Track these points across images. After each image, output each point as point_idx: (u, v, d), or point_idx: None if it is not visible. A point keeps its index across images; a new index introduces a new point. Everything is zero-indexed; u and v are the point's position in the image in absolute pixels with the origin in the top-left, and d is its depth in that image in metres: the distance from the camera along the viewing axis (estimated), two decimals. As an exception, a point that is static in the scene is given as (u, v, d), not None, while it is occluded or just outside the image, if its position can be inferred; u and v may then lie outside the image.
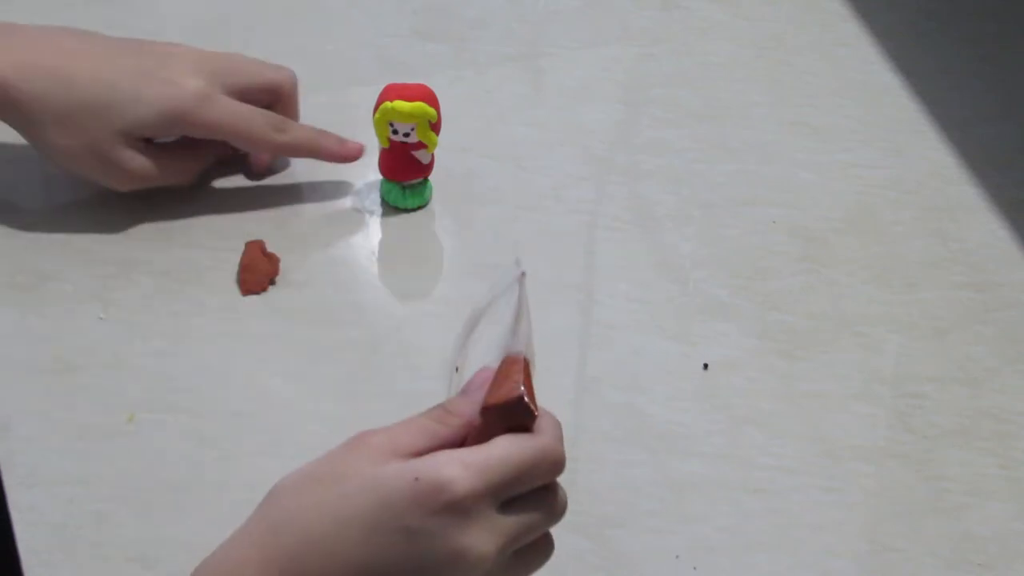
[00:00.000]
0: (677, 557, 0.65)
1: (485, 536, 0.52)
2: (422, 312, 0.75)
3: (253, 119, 0.74)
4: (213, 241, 0.76)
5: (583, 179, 0.82)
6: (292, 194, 0.79)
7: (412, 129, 0.74)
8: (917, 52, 0.91)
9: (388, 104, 0.73)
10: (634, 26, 0.92)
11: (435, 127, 0.75)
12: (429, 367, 0.71)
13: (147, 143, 0.73)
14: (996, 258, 0.79)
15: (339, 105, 0.83)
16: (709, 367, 0.73)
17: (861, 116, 0.87)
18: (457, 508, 0.51)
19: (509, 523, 0.53)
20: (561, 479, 0.67)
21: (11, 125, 0.72)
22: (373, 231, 0.78)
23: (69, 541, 0.64)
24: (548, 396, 0.71)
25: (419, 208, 0.79)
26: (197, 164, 0.77)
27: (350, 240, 0.77)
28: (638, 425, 0.70)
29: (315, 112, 0.79)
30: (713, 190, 0.82)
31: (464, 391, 0.57)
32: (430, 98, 0.74)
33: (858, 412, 0.72)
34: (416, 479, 0.51)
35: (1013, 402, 0.73)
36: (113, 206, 0.77)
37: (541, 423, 0.55)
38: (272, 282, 0.74)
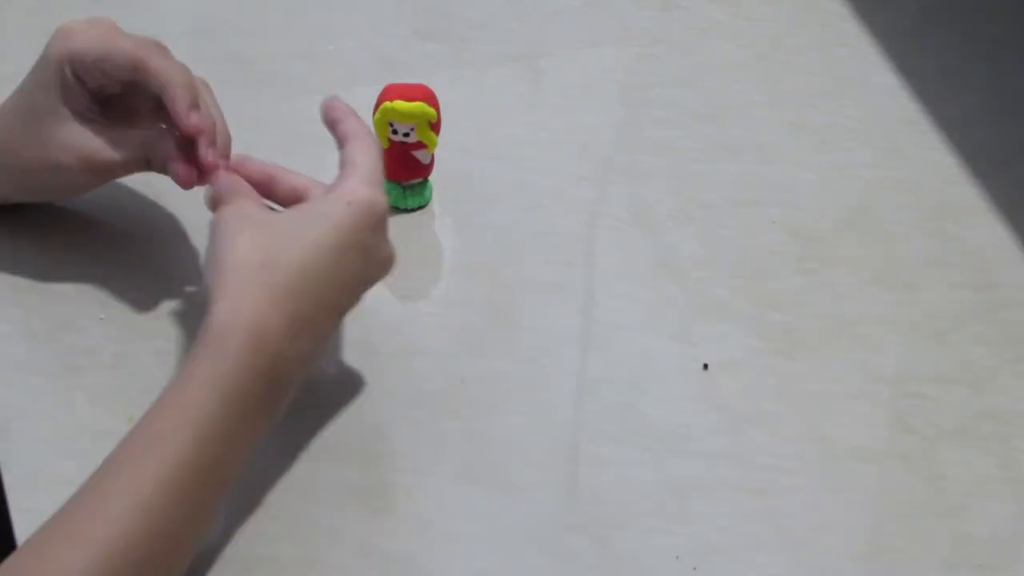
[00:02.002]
0: (677, 557, 0.65)
1: (391, 241, 0.66)
2: (422, 312, 0.75)
3: (130, 43, 0.68)
4: (213, 241, 0.76)
5: (583, 179, 0.82)
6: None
7: (412, 129, 0.74)
8: (917, 52, 0.91)
9: (388, 104, 0.73)
10: (634, 26, 0.92)
11: (435, 127, 0.75)
12: (429, 367, 0.71)
13: (86, 122, 0.69)
14: (996, 258, 0.79)
15: (339, 105, 0.83)
16: (709, 367, 0.73)
17: (861, 116, 0.87)
18: (383, 221, 0.65)
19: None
20: (561, 479, 0.67)
21: None
22: (373, 231, 0.78)
23: (69, 541, 0.63)
24: (548, 396, 0.71)
25: (419, 208, 0.79)
26: (133, 136, 0.70)
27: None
28: (638, 425, 0.70)
29: (316, 112, 0.79)
30: (713, 190, 0.82)
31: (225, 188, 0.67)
32: (430, 98, 0.74)
33: (858, 412, 0.72)
34: (348, 203, 0.63)
35: (1013, 402, 0.73)
36: (113, 206, 0.77)
37: (344, 126, 0.68)
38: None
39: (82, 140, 0.69)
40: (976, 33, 0.93)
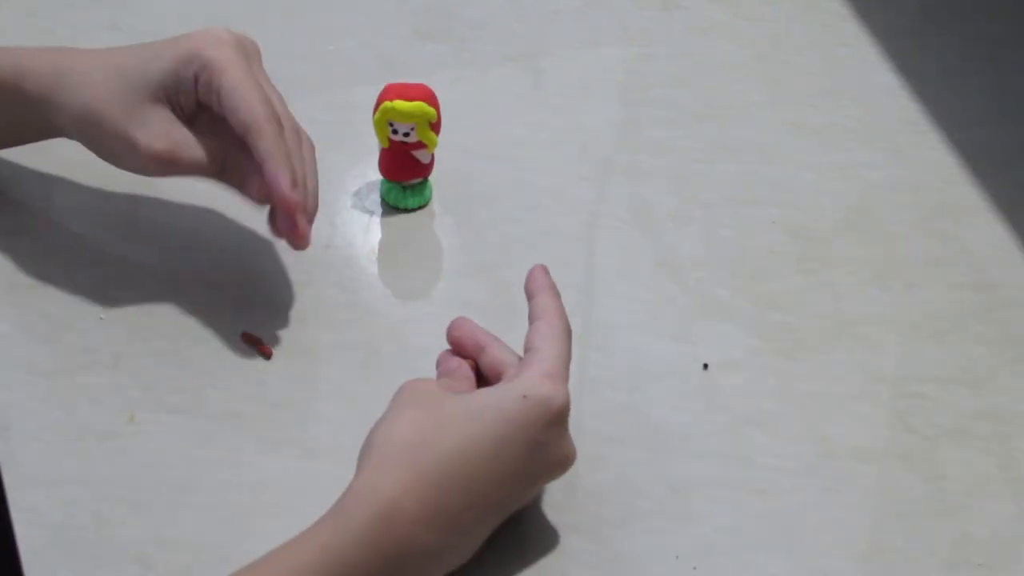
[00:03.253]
0: (677, 557, 0.65)
1: (570, 435, 0.62)
2: (422, 312, 0.75)
3: (255, 86, 0.67)
4: (213, 241, 0.76)
5: (583, 179, 0.82)
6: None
7: (412, 129, 0.74)
8: (917, 52, 0.91)
9: (388, 104, 0.73)
10: (634, 26, 0.92)
11: (435, 127, 0.75)
12: (429, 367, 0.71)
13: (172, 114, 0.68)
14: (996, 258, 0.79)
15: (339, 105, 0.84)
16: (709, 367, 0.73)
17: (861, 116, 0.87)
18: (562, 417, 0.61)
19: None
20: (561, 480, 0.67)
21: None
22: (373, 231, 0.78)
23: (69, 541, 0.63)
24: (548, 396, 0.70)
25: (419, 208, 0.79)
26: (217, 145, 0.69)
27: (350, 240, 0.77)
28: (638, 425, 0.70)
29: (316, 112, 0.79)
30: (713, 190, 0.82)
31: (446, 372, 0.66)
32: (430, 98, 0.74)
33: (858, 412, 0.72)
34: (524, 396, 0.59)
35: (1013, 402, 0.73)
36: (113, 206, 0.77)
37: (540, 301, 0.65)
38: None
39: (167, 130, 0.68)
40: (976, 33, 0.93)
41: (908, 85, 0.89)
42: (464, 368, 0.66)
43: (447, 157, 0.79)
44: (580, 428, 0.70)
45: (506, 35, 0.90)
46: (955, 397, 0.72)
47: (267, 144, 0.66)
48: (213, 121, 0.69)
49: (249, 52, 0.70)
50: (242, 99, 0.67)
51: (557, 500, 0.67)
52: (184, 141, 0.68)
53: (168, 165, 0.69)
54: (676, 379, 0.72)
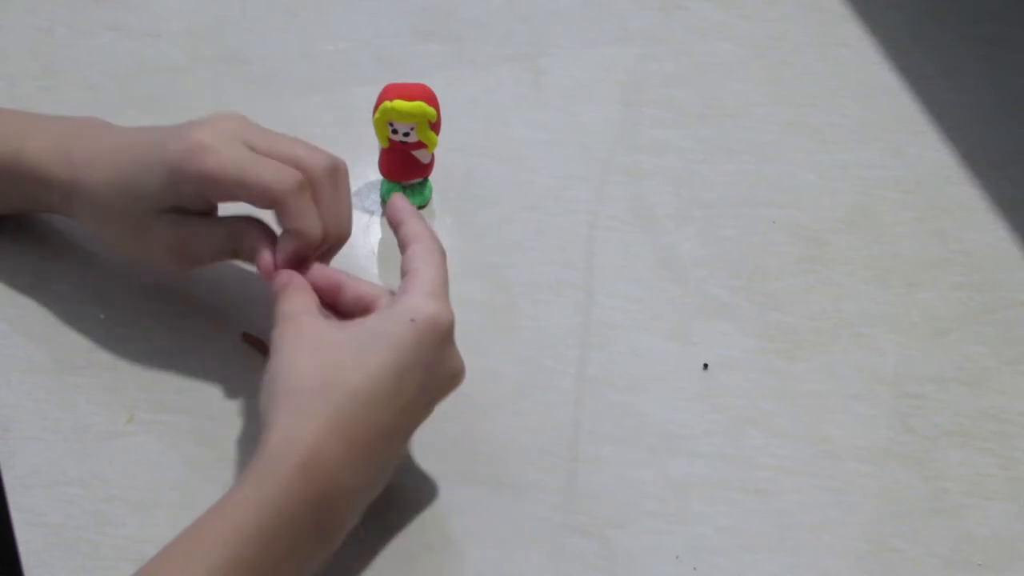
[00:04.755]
0: (677, 557, 0.65)
1: (457, 350, 0.63)
2: (422, 312, 0.74)
3: (256, 163, 0.64)
4: (213, 241, 0.76)
5: (583, 179, 0.82)
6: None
7: (412, 129, 0.74)
8: (917, 52, 0.91)
9: (388, 104, 0.73)
10: (634, 26, 0.92)
11: (435, 127, 0.75)
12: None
13: (181, 215, 0.67)
14: (996, 258, 0.79)
15: (339, 105, 0.83)
16: (709, 367, 0.73)
17: (861, 116, 0.87)
18: (448, 335, 0.61)
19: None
20: (561, 479, 0.68)
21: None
22: (373, 231, 0.78)
23: (69, 541, 0.63)
24: (548, 396, 0.71)
25: (419, 208, 0.79)
26: (231, 228, 0.68)
27: (350, 240, 0.77)
28: (638, 425, 0.70)
29: (316, 112, 0.79)
30: (713, 190, 0.82)
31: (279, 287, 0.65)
32: (430, 98, 0.74)
33: (858, 412, 0.72)
34: (412, 320, 0.60)
35: (1013, 402, 0.73)
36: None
37: (407, 228, 0.64)
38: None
39: (173, 236, 0.67)
40: (976, 33, 0.93)
41: (908, 85, 0.89)
42: (297, 277, 0.65)
43: (447, 157, 0.79)
44: (580, 428, 0.70)
45: (506, 35, 0.90)
46: (955, 397, 0.73)
47: (297, 221, 0.65)
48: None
49: (247, 126, 0.66)
50: (248, 183, 0.64)
51: (557, 500, 0.67)
52: (189, 240, 0.67)
53: (186, 262, 0.69)
54: (676, 379, 0.72)
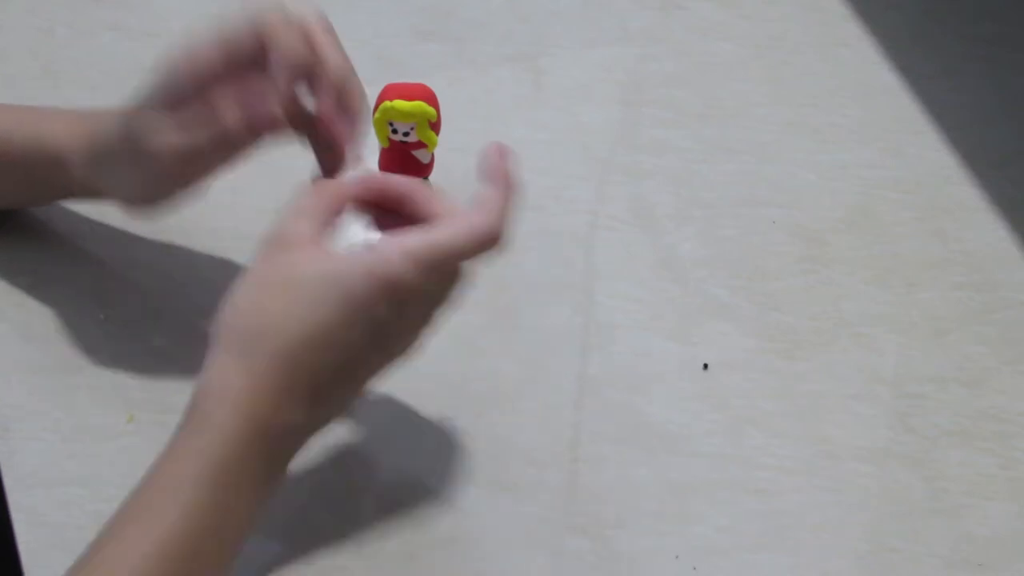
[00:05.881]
0: (677, 557, 0.65)
1: (428, 308, 0.61)
2: (422, 312, 0.74)
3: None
4: (212, 241, 0.76)
5: (583, 179, 0.82)
6: (292, 193, 0.79)
7: (412, 129, 0.74)
8: (917, 52, 0.91)
9: (387, 103, 0.73)
10: (634, 26, 0.92)
11: (435, 127, 0.75)
12: (428, 367, 0.71)
13: (167, 115, 0.65)
14: (996, 258, 0.79)
15: (339, 105, 0.83)
16: (709, 367, 0.73)
17: (861, 116, 0.87)
18: (410, 295, 0.58)
19: (443, 290, 0.61)
20: (561, 479, 0.67)
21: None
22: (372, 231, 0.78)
23: (69, 541, 0.63)
24: (548, 396, 0.71)
25: (419, 208, 0.79)
26: (218, 117, 0.65)
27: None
28: (638, 425, 0.70)
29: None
30: (713, 190, 0.82)
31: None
32: (430, 97, 0.74)
33: (858, 412, 0.72)
34: (369, 272, 0.57)
35: (1013, 402, 0.73)
36: (114, 207, 0.77)
37: (483, 196, 0.60)
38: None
39: (176, 137, 0.65)
40: (976, 33, 0.93)
41: (908, 85, 0.89)
42: (331, 181, 0.63)
43: (447, 157, 0.79)
44: (580, 428, 0.70)
45: (506, 35, 0.90)
46: (955, 397, 0.73)
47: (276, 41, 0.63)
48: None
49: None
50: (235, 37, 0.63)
51: (557, 500, 0.67)
52: (194, 143, 0.65)
53: (196, 173, 0.67)
54: (676, 379, 0.72)
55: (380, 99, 0.74)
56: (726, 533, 0.66)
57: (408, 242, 0.58)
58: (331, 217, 0.61)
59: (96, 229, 0.76)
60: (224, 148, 0.66)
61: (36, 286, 0.73)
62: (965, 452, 0.70)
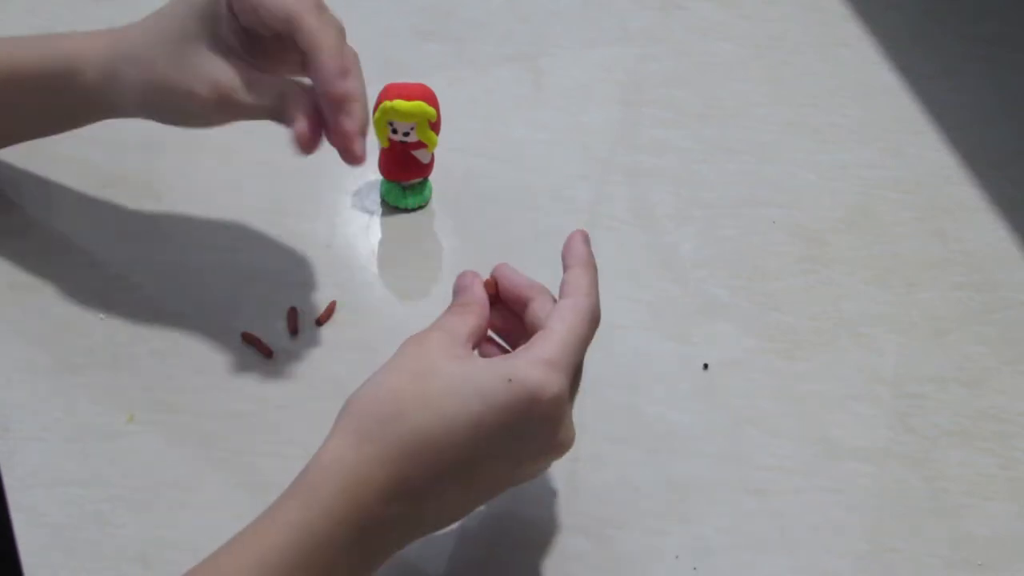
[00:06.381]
0: (677, 557, 0.65)
1: (569, 423, 0.59)
2: (422, 312, 0.74)
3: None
4: (213, 241, 0.76)
5: (583, 179, 0.82)
6: (292, 193, 0.79)
7: (412, 129, 0.74)
8: (917, 52, 0.91)
9: (388, 103, 0.73)
10: (634, 26, 0.92)
11: (435, 127, 0.75)
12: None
13: (220, 57, 0.66)
14: (996, 258, 0.79)
15: (339, 105, 0.83)
16: (709, 367, 0.73)
17: (861, 116, 0.87)
18: (552, 409, 0.56)
19: (573, 394, 0.60)
20: (561, 480, 0.67)
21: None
22: (373, 231, 0.78)
23: (69, 541, 0.64)
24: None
25: (419, 208, 0.79)
26: (272, 82, 0.67)
27: (350, 240, 0.77)
28: (638, 425, 0.70)
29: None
30: (713, 190, 0.82)
31: (460, 291, 0.64)
32: (430, 97, 0.74)
33: (858, 412, 0.72)
34: (509, 380, 0.56)
35: (1013, 402, 0.73)
36: (113, 206, 0.77)
37: (573, 278, 0.61)
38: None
39: (220, 74, 0.66)
40: (976, 33, 0.93)
41: (908, 85, 0.89)
42: (476, 289, 0.63)
43: (447, 157, 0.79)
44: (580, 428, 0.70)
45: (506, 35, 0.90)
46: (955, 397, 0.73)
47: (308, 33, 0.64)
48: (268, 55, 0.68)
49: None
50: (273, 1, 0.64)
51: (557, 500, 0.67)
52: (237, 84, 0.66)
53: (228, 108, 0.67)
54: (676, 379, 0.72)
55: (380, 99, 0.74)
56: (726, 533, 0.66)
57: (538, 349, 0.57)
58: (471, 342, 0.60)
59: (96, 229, 0.76)
60: (259, 116, 0.67)
61: (36, 286, 0.73)
62: (965, 452, 0.70)
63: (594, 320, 0.60)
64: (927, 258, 0.79)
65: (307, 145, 0.65)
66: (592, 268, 0.62)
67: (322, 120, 0.66)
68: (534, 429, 0.57)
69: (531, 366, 0.56)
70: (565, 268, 0.62)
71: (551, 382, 0.56)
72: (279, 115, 0.66)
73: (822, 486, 0.68)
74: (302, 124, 0.65)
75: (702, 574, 0.65)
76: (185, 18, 0.67)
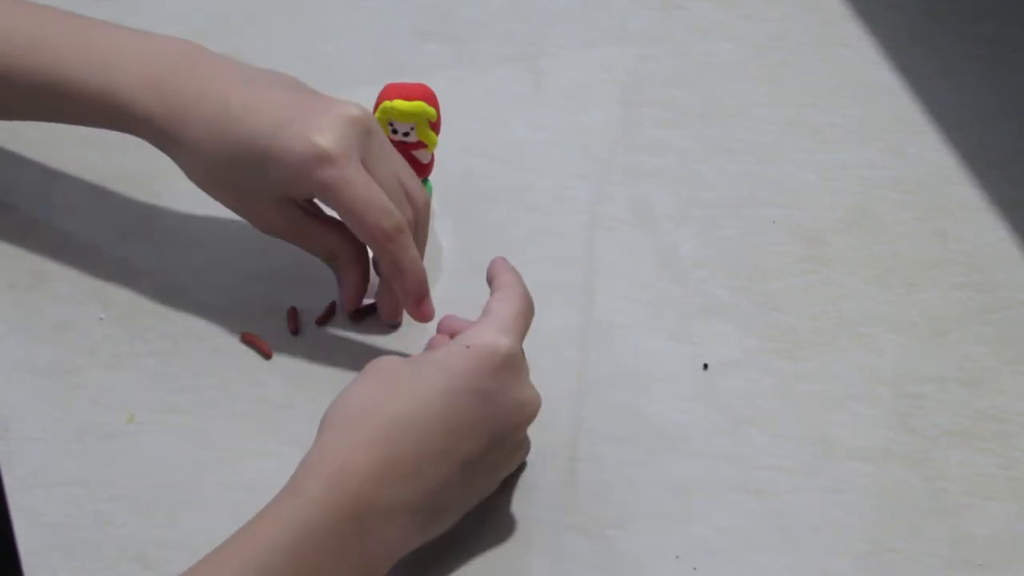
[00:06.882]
0: (677, 557, 0.65)
1: (528, 383, 0.63)
2: (422, 312, 0.74)
3: (374, 197, 0.67)
4: (213, 241, 0.76)
5: (583, 179, 0.82)
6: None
7: (412, 129, 0.74)
8: (917, 52, 0.91)
9: (388, 103, 0.73)
10: (634, 26, 0.92)
11: (435, 127, 0.75)
12: (429, 367, 0.71)
13: (293, 207, 0.70)
14: (996, 258, 0.79)
15: (339, 105, 0.83)
16: (709, 367, 0.73)
17: (861, 116, 0.87)
18: (510, 364, 0.61)
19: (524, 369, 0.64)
20: (561, 480, 0.67)
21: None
22: (373, 231, 0.78)
23: (69, 541, 0.63)
24: (548, 396, 0.71)
25: (419, 208, 0.79)
26: (328, 240, 0.71)
27: (350, 240, 0.77)
28: (638, 425, 0.70)
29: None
30: (713, 190, 0.82)
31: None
32: (430, 97, 0.74)
33: (858, 412, 0.72)
34: (467, 347, 0.60)
35: (1013, 402, 0.72)
36: (113, 206, 0.77)
37: (498, 280, 0.65)
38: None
39: (275, 223, 0.70)
40: (976, 33, 0.93)
41: (908, 85, 0.89)
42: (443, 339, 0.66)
43: (447, 157, 0.79)
44: (580, 428, 0.70)
45: (506, 35, 0.90)
46: (955, 397, 0.72)
47: (398, 261, 0.68)
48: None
49: (368, 137, 0.69)
50: (361, 220, 0.67)
51: (557, 500, 0.67)
52: (290, 234, 0.71)
53: (277, 236, 0.72)
54: (676, 379, 0.72)
55: (380, 99, 0.74)
56: (726, 533, 0.66)
57: (486, 322, 0.62)
58: None
59: (96, 229, 0.76)
60: (309, 252, 0.73)
61: (36, 286, 0.73)
62: (965, 452, 0.70)
63: (528, 300, 0.65)
64: (927, 258, 0.79)
65: (349, 311, 0.72)
66: (516, 272, 0.66)
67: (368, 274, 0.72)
68: (498, 385, 0.61)
69: (483, 331, 0.61)
70: (491, 279, 0.66)
71: (503, 340, 0.61)
72: (329, 264, 0.72)
73: (822, 486, 0.68)
74: (351, 293, 0.71)
75: (702, 574, 0.65)
76: (261, 175, 0.68)
